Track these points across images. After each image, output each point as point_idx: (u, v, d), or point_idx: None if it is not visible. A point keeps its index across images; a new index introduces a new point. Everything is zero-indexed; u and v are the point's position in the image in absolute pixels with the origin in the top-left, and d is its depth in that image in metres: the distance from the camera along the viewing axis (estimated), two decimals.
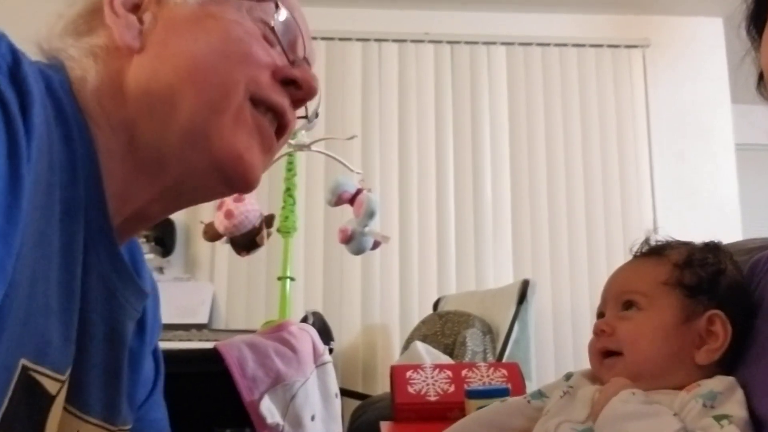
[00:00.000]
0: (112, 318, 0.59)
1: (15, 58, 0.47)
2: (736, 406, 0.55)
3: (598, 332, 0.65)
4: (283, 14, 0.63)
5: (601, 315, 0.68)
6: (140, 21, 0.59)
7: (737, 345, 0.61)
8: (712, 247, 0.67)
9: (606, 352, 0.64)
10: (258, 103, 0.59)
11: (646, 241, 0.70)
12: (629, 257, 0.70)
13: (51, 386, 0.50)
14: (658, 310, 0.62)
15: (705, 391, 0.56)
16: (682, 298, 0.62)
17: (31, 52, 0.59)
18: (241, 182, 0.59)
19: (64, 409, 0.56)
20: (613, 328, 0.64)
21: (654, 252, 0.68)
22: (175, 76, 0.57)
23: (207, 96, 0.56)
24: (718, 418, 0.53)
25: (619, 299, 0.65)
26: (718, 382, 0.57)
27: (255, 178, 0.59)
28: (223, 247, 2.29)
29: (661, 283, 0.64)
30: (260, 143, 0.60)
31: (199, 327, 2.60)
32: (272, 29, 0.62)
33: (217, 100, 0.57)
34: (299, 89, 0.62)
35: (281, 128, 0.63)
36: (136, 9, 0.59)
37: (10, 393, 0.46)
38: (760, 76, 0.62)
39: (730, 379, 0.58)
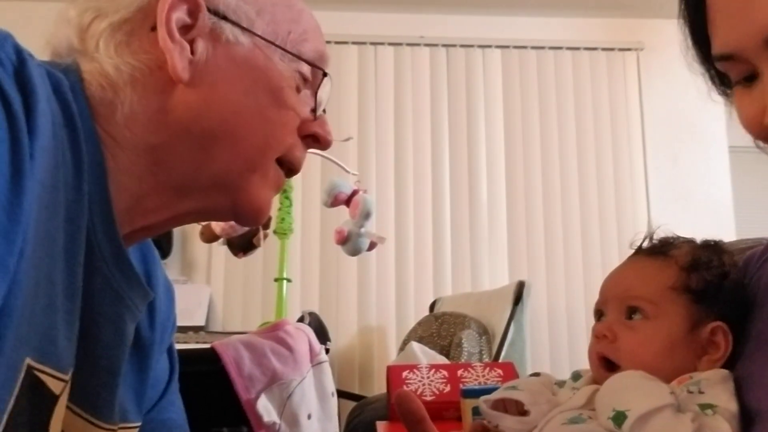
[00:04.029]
0: (117, 319, 0.58)
1: (20, 58, 0.47)
2: (724, 396, 0.54)
3: (599, 336, 0.62)
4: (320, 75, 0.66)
5: (599, 313, 0.65)
6: (191, 49, 0.57)
7: (735, 344, 0.60)
8: (715, 248, 0.64)
9: (605, 361, 0.61)
10: (282, 161, 0.64)
11: (649, 237, 0.67)
12: (624, 258, 0.67)
13: (55, 386, 0.50)
14: (666, 319, 0.59)
15: (695, 381, 0.56)
16: (689, 305, 0.60)
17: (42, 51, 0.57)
18: (252, 224, 0.68)
19: (74, 412, 0.56)
20: (615, 335, 0.60)
21: (658, 251, 0.64)
22: (220, 127, 0.58)
23: (245, 155, 0.60)
24: (704, 407, 0.53)
25: (623, 303, 0.62)
26: (711, 374, 0.57)
27: (264, 220, 0.66)
28: (220, 250, 2.30)
29: (668, 288, 0.60)
30: (275, 193, 0.65)
31: (196, 329, 2.60)
32: (309, 86, 0.65)
33: (253, 161, 0.60)
34: (317, 142, 0.67)
35: (289, 175, 0.67)
36: (185, 31, 0.58)
37: (16, 392, 0.46)
38: None
39: (723, 371, 0.57)
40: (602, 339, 0.61)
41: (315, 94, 0.65)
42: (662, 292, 0.60)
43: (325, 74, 0.65)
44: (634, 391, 0.55)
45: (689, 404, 0.54)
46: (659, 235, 0.67)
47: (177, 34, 0.56)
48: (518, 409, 0.61)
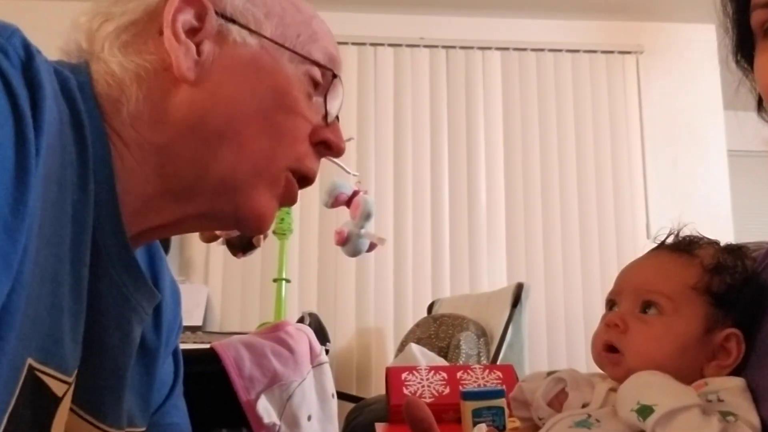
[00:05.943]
0: (123, 322, 0.58)
1: (28, 53, 0.46)
2: (745, 407, 0.53)
3: (611, 325, 0.60)
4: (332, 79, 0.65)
5: (611, 303, 0.63)
6: (198, 51, 0.57)
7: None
8: (740, 253, 0.62)
9: (608, 347, 0.60)
10: (294, 172, 0.63)
11: (674, 233, 0.65)
12: (622, 261, 0.67)
13: (57, 387, 0.50)
14: (682, 318, 0.58)
15: (712, 389, 0.54)
16: (707, 307, 0.58)
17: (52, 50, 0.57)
18: (254, 233, 0.65)
19: (78, 414, 0.55)
20: (627, 326, 0.59)
21: (683, 248, 0.62)
22: (225, 126, 0.57)
23: (252, 159, 0.59)
24: (725, 414, 0.52)
25: (639, 296, 0.60)
26: (728, 382, 0.55)
27: (267, 229, 0.64)
28: (218, 250, 2.30)
29: (688, 287, 0.59)
30: (282, 201, 0.64)
31: (194, 329, 2.60)
32: (321, 92, 0.64)
33: (260, 166, 0.59)
34: (329, 150, 0.66)
35: (303, 185, 0.66)
36: (193, 33, 0.58)
37: (17, 393, 0.45)
38: (759, 103, 0.61)
39: (740, 381, 0.56)
40: (613, 328, 0.60)
41: (326, 98, 0.64)
42: (682, 290, 0.59)
43: (334, 76, 0.64)
44: (662, 388, 0.54)
45: (711, 410, 0.52)
46: (684, 233, 0.65)
47: (183, 35, 0.56)
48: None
